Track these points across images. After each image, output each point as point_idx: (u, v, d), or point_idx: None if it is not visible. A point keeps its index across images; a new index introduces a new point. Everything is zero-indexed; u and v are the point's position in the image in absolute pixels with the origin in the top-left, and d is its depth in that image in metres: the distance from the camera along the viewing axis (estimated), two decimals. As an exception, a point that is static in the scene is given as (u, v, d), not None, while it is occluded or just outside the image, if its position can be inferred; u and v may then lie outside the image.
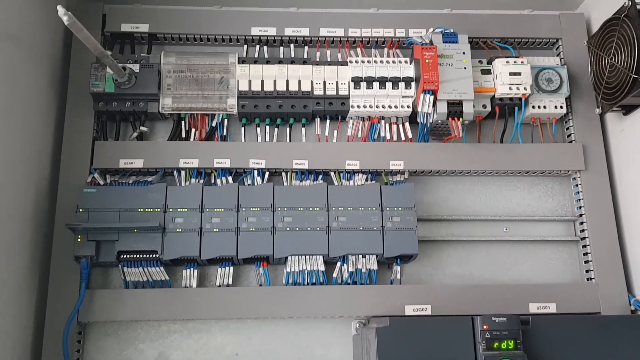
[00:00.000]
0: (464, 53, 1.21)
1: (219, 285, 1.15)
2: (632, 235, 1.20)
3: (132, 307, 1.11)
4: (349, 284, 1.16)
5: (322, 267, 1.15)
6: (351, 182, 1.22)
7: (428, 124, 1.21)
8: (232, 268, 1.16)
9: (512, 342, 0.87)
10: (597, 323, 0.92)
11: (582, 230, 1.24)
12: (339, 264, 1.16)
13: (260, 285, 1.17)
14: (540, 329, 0.90)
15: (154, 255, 1.11)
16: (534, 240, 1.26)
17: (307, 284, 1.15)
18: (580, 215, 1.25)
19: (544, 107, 1.26)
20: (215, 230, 1.12)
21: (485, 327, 0.88)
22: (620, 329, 0.91)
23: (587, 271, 1.22)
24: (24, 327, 1.07)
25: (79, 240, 1.09)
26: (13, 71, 1.04)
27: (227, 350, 1.17)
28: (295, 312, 1.14)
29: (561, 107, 1.26)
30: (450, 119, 1.18)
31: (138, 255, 1.11)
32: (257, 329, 1.18)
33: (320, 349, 1.18)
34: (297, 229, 1.14)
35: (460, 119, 1.18)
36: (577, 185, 1.26)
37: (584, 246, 1.23)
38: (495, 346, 0.87)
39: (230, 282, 1.16)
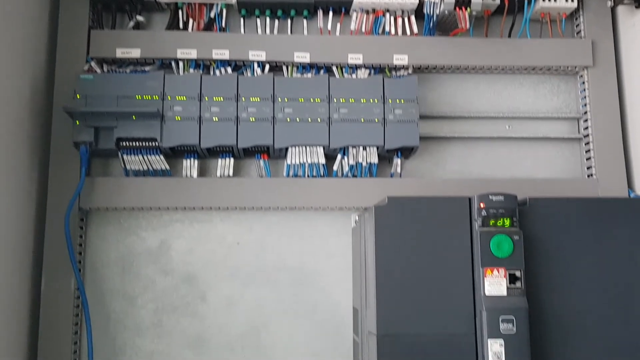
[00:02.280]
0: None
1: (220, 176, 1.15)
2: (636, 131, 1.18)
3: (133, 195, 1.12)
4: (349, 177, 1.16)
5: (322, 160, 1.15)
6: (354, 75, 1.19)
7: (435, 16, 1.17)
8: (232, 160, 1.16)
9: (508, 220, 0.87)
10: (595, 205, 0.92)
11: (586, 128, 1.23)
12: (339, 156, 1.16)
13: (261, 177, 1.17)
14: (537, 209, 0.90)
15: (154, 143, 1.10)
16: (537, 138, 1.25)
17: (308, 177, 1.15)
18: (585, 112, 1.23)
19: (554, 0, 1.21)
20: (214, 119, 1.11)
21: (482, 205, 0.88)
22: (618, 212, 0.91)
23: (588, 168, 1.22)
24: (25, 214, 1.08)
25: (78, 125, 1.08)
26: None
27: (228, 239, 1.18)
28: (295, 204, 1.15)
29: (572, 0, 1.21)
30: (457, 8, 1.14)
31: (137, 143, 1.11)
32: (258, 219, 1.19)
33: (320, 240, 1.19)
34: (298, 119, 1.13)
35: (468, 9, 1.14)
36: (583, 82, 1.24)
37: (587, 143, 1.22)
38: (491, 224, 0.87)
39: (231, 174, 1.16)
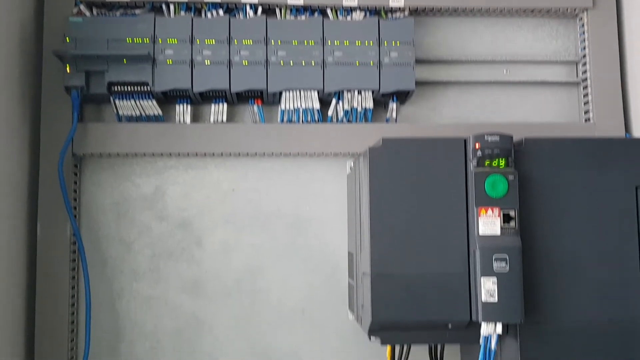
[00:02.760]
0: None
1: (213, 122, 1.14)
2: (635, 75, 1.17)
3: (126, 140, 1.11)
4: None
5: (317, 105, 1.13)
6: (348, 18, 1.17)
7: (431, -45, 1.14)
8: (225, 106, 1.15)
9: (503, 160, 0.87)
10: (591, 146, 0.91)
11: (584, 72, 1.21)
12: (334, 101, 1.15)
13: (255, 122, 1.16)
14: (533, 150, 0.90)
15: (145, 88, 1.09)
16: (535, 82, 1.23)
17: (302, 122, 1.14)
18: (584, 56, 1.22)
19: (555, -61, 1.18)
20: (206, 62, 1.09)
21: (477, 145, 0.87)
22: (614, 152, 0.91)
23: (585, 112, 1.21)
24: (18, 160, 1.07)
25: (68, 70, 1.06)
26: None
27: (223, 185, 1.18)
28: (290, 150, 1.14)
29: (573, -61, 1.18)
30: (454, -54, 1.10)
31: (129, 88, 1.09)
32: (253, 166, 1.19)
33: (315, 186, 1.19)
34: (291, 63, 1.11)
35: (465, -52, 1.11)
36: (582, 25, 1.21)
37: (585, 87, 1.21)
38: (486, 164, 0.87)
39: (224, 120, 1.15)
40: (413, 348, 1.02)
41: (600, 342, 0.87)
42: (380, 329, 0.90)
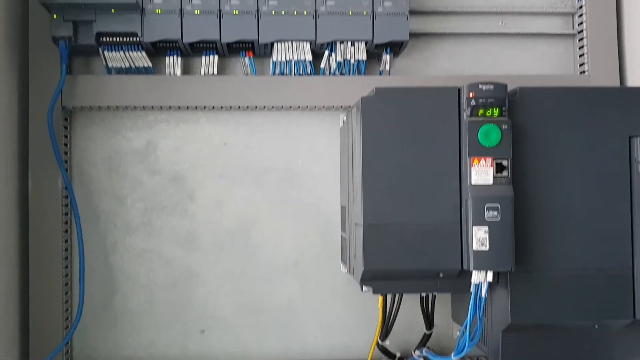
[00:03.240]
0: None
1: (204, 75, 1.12)
2: (632, 27, 1.15)
3: (115, 93, 1.10)
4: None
5: (309, 57, 1.11)
6: (341, -33, 1.14)
7: None
8: (216, 57, 1.13)
9: (497, 109, 0.86)
10: (586, 95, 0.90)
11: (580, 24, 1.20)
12: (326, 53, 1.13)
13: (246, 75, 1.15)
14: (527, 99, 0.89)
15: (135, 39, 1.07)
16: (530, 34, 1.22)
17: (294, 75, 1.12)
18: (580, 7, 1.20)
19: None
20: (196, 12, 1.07)
21: (471, 94, 0.86)
22: (609, 102, 0.90)
23: (581, 65, 1.20)
24: (7, 113, 1.05)
25: (55, 19, 1.04)
26: None
27: (215, 140, 1.17)
28: (282, 103, 1.13)
29: None
30: None
31: (118, 39, 1.07)
32: (245, 120, 1.17)
33: (308, 140, 1.18)
34: (283, 12, 1.09)
35: None
36: (580, -25, 1.20)
37: (581, 39, 1.19)
38: (480, 113, 0.86)
39: (215, 72, 1.13)
40: (404, 299, 1.04)
41: (589, 290, 0.89)
42: (372, 278, 0.91)
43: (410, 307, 1.10)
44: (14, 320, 1.06)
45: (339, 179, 1.16)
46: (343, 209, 1.11)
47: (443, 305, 1.14)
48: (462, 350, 0.89)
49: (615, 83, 1.16)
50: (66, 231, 1.11)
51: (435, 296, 1.06)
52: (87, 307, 1.11)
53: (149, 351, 1.15)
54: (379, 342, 1.08)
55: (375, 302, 1.06)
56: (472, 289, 0.86)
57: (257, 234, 1.17)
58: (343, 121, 1.13)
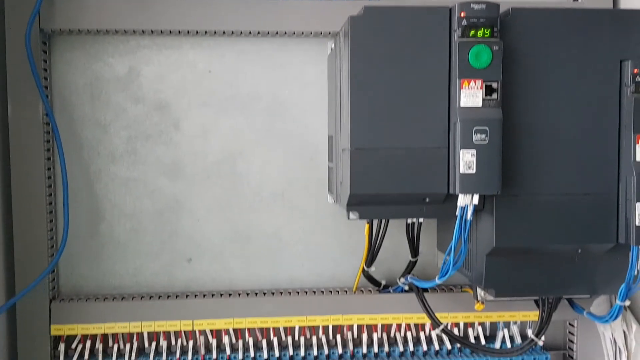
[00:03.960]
0: None
1: (188, -3, 1.09)
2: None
3: (95, 15, 1.06)
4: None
5: (297, -19, 1.08)
6: None
7: None
8: (200, -21, 1.08)
9: (488, 30, 0.84)
10: (580, 16, 0.88)
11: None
12: (315, -23, 1.09)
13: (232, -2, 1.11)
14: (520, 20, 0.87)
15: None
16: None
17: (282, -1, 1.09)
18: None
19: None
20: None
21: (462, 14, 0.84)
22: (602, 23, 0.88)
23: None
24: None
25: None
26: None
27: (199, 67, 1.14)
28: (268, 28, 1.09)
29: None
30: None
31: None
32: (230, 47, 1.14)
33: (295, 68, 1.16)
34: None
35: None
36: None
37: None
38: (471, 34, 0.84)
39: (199, -5, 1.09)
40: (390, 226, 1.04)
41: (574, 214, 0.89)
42: (358, 203, 0.91)
43: (396, 237, 1.11)
44: (-2, 248, 1.06)
45: (326, 109, 1.14)
46: (330, 138, 1.10)
47: (428, 235, 1.15)
48: (446, 274, 0.90)
49: (609, 7, 1.13)
50: (49, 159, 1.09)
51: (421, 224, 1.07)
52: (72, 236, 1.10)
53: (136, 279, 1.15)
54: (365, 268, 1.10)
55: (361, 233, 1.07)
56: (457, 211, 0.86)
57: (244, 163, 1.15)
58: (331, 48, 1.11)
